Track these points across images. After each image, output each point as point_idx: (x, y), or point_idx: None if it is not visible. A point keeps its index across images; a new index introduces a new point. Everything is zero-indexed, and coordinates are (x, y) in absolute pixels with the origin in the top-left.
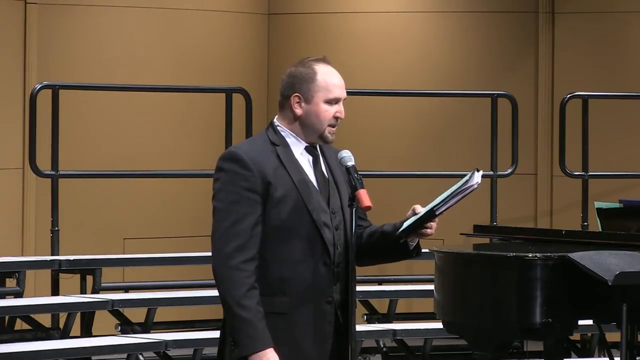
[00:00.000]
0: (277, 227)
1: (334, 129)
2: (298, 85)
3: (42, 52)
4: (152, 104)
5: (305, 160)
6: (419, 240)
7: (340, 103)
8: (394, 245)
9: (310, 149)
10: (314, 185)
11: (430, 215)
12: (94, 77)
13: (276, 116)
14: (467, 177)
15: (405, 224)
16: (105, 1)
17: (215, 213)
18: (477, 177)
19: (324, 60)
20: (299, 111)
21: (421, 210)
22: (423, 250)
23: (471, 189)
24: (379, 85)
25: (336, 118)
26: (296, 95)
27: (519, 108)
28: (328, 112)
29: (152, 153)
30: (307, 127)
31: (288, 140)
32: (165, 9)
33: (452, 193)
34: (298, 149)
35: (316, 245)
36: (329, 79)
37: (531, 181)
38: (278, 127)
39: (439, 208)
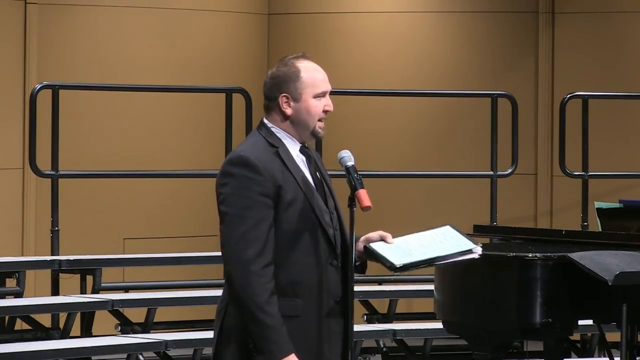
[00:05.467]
0: (287, 231)
1: (323, 123)
2: (284, 85)
3: (42, 52)
4: (152, 104)
5: (300, 162)
6: (366, 260)
7: (327, 96)
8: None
9: (303, 150)
10: (313, 187)
11: (427, 264)
12: (94, 77)
13: (265, 117)
14: (451, 235)
15: (404, 261)
16: (105, 1)
17: (226, 219)
18: (478, 249)
19: (304, 56)
20: (289, 111)
21: (392, 240)
22: None
23: (471, 256)
24: (379, 85)
25: (325, 112)
26: (284, 96)
27: (519, 108)
28: (317, 107)
29: (152, 153)
30: (298, 125)
31: (284, 141)
32: (165, 9)
33: (452, 254)
34: (294, 150)
35: (323, 247)
36: (314, 74)
37: (531, 181)
38: (272, 128)
39: (440, 261)
